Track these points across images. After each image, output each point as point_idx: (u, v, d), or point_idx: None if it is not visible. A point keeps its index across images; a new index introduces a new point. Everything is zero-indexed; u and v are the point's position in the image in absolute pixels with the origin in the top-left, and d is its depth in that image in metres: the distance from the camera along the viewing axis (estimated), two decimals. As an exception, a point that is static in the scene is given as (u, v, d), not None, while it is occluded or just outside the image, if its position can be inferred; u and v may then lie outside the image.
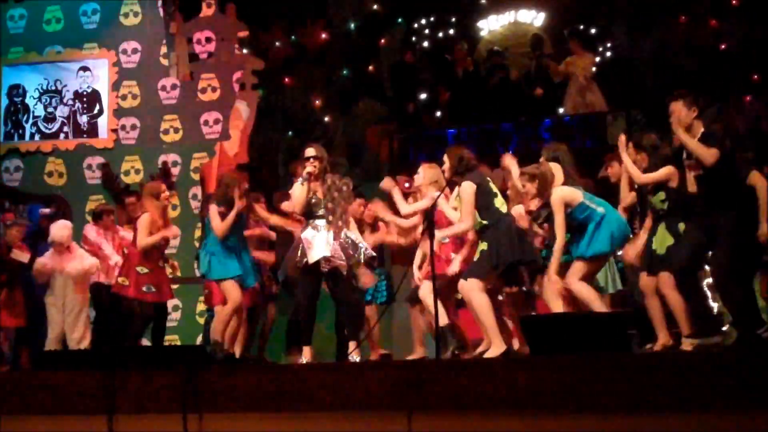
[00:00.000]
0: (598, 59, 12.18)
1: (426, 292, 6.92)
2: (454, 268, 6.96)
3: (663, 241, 6.63)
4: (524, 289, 7.36)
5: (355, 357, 6.91)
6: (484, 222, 6.65)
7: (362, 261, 7.17)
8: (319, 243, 6.97)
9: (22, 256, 8.97)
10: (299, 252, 7.04)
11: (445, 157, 6.88)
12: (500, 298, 7.20)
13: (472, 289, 6.54)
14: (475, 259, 6.61)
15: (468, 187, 6.65)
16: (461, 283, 6.62)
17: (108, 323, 8.78)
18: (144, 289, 7.84)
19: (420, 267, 7.25)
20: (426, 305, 7.03)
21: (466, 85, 12.36)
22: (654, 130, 7.33)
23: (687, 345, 6.36)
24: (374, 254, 7.35)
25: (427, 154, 11.33)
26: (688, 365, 4.62)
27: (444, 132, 11.84)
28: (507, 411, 4.82)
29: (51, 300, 8.69)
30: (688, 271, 6.26)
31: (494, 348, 6.55)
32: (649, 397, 4.60)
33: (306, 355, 6.97)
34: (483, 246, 6.59)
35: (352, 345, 7.00)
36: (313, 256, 6.95)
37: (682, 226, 6.57)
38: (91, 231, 9.05)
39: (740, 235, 6.16)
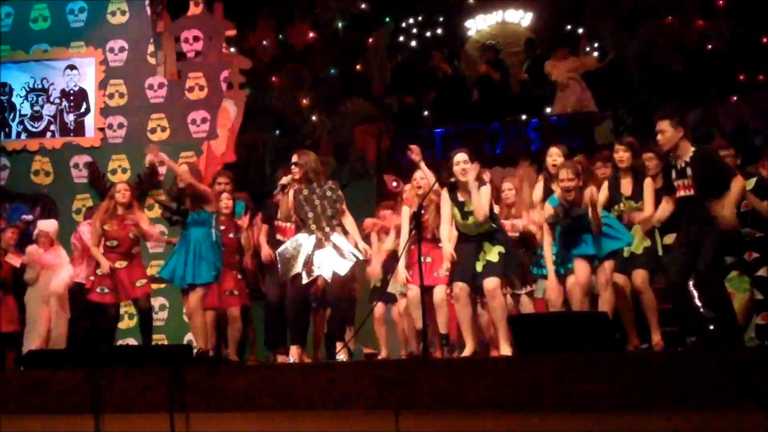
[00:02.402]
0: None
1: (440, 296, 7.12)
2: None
3: (639, 242, 6.69)
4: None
5: (342, 356, 6.93)
6: (489, 227, 6.79)
7: (349, 268, 7.06)
8: (299, 258, 6.93)
9: (15, 260, 8.90)
10: (279, 269, 7.09)
11: (467, 160, 6.83)
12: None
13: (497, 288, 6.69)
14: (495, 260, 6.69)
15: (488, 189, 6.82)
16: (488, 280, 6.64)
17: (81, 323, 8.74)
18: (98, 290, 7.84)
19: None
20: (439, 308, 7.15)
21: (452, 84, 12.39)
22: (640, 130, 7.34)
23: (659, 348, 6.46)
24: (361, 258, 7.26)
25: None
26: (681, 364, 4.63)
27: (431, 131, 11.83)
28: (494, 410, 4.83)
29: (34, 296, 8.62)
30: (677, 286, 6.14)
31: (505, 347, 6.67)
32: (639, 397, 4.62)
33: (293, 355, 6.96)
34: (500, 249, 6.72)
35: (339, 345, 7.02)
36: (289, 273, 6.96)
37: (668, 238, 6.60)
38: (86, 231, 8.66)
39: (725, 245, 6.17)
